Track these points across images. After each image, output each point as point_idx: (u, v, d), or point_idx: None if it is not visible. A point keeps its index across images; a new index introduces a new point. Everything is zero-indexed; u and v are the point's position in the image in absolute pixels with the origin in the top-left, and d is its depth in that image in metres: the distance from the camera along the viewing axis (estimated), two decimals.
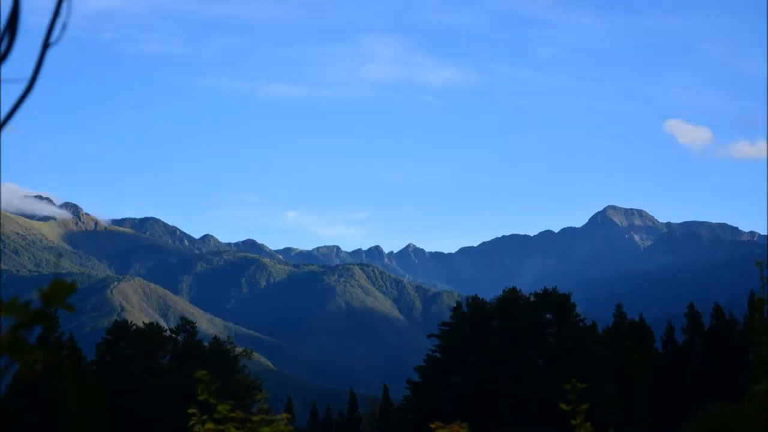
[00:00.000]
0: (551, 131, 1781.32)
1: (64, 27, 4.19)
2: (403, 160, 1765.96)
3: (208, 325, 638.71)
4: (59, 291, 3.89)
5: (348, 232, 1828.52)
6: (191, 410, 12.43)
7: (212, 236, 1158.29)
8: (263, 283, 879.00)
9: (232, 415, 12.18)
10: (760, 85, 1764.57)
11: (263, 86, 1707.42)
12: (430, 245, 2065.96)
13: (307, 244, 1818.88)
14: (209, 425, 12.15)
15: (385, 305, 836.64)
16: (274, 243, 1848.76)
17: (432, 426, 11.13)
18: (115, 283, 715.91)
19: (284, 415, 13.14)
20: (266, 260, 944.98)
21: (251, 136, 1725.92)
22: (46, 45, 4.22)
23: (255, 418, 12.42)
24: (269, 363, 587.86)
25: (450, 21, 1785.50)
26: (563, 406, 11.36)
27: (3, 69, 4.41)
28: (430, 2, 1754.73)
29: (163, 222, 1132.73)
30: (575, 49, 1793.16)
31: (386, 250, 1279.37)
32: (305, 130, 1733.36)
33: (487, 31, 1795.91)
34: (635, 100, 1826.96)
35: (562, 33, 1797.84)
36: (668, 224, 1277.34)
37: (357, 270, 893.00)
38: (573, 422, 11.22)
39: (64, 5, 4.29)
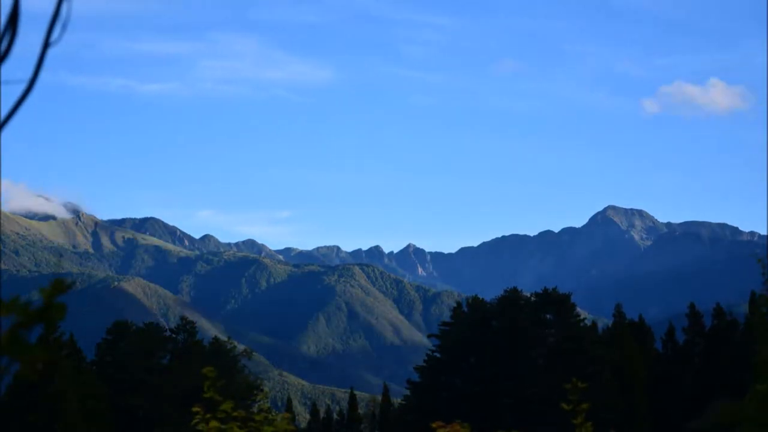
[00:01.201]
0: (452, 130, 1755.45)
1: (64, 27, 4.19)
2: (309, 158, 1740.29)
3: (208, 325, 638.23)
4: (59, 290, 3.94)
5: (270, 231, 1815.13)
6: (196, 408, 12.44)
7: (212, 236, 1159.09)
8: (263, 284, 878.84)
9: (235, 414, 12.19)
10: (630, 84, 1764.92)
11: (122, 84, 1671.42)
12: (430, 245, 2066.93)
13: (307, 244, 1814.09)
14: (213, 423, 12.16)
15: (385, 305, 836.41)
16: (274, 243, 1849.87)
17: (433, 426, 11.13)
18: (115, 283, 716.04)
19: (285, 414, 13.16)
20: (266, 260, 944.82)
21: (143, 133, 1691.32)
22: (46, 45, 4.20)
23: (257, 417, 12.44)
24: (269, 363, 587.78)
25: (309, 20, 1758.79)
26: (564, 406, 11.37)
27: (3, 69, 4.41)
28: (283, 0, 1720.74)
29: (163, 222, 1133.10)
30: (444, 49, 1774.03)
31: (386, 250, 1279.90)
32: (194, 128, 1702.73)
33: (345, 30, 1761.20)
34: (537, 98, 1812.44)
35: (423, 33, 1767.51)
36: (668, 224, 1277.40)
37: (357, 270, 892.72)
38: (574, 422, 11.24)
39: (64, 5, 4.28)
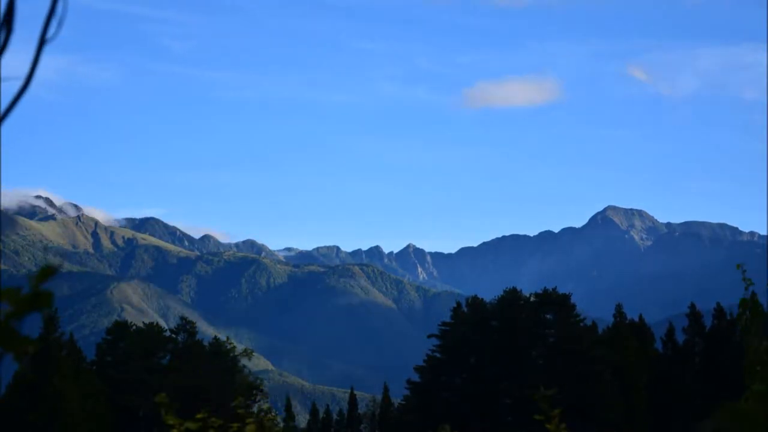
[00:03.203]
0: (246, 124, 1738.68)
1: (60, 24, 4.19)
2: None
3: (208, 325, 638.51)
4: (47, 274, 3.99)
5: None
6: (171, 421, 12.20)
7: (212, 236, 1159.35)
8: (263, 284, 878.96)
9: (191, 426, 11.90)
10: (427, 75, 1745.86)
11: None
12: (430, 245, 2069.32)
13: (306, 244, 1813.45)
14: None
15: (385, 305, 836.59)
16: (274, 243, 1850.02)
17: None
18: (115, 283, 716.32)
19: (270, 416, 13.08)
20: (266, 260, 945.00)
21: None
22: (42, 42, 4.20)
23: (234, 426, 12.26)
24: (269, 363, 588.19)
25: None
26: (537, 416, 11.56)
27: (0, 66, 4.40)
28: None
29: (163, 222, 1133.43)
30: (209, 44, 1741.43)
31: (386, 250, 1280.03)
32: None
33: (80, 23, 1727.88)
34: (348, 91, 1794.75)
35: (177, 28, 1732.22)
36: (668, 224, 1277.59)
37: (357, 270, 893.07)
38: (548, 426, 11.34)
39: (60, 2, 4.27)
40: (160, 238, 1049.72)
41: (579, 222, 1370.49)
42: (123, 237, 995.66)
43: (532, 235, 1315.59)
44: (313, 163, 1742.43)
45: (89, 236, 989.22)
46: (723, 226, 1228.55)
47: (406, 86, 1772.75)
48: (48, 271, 3.93)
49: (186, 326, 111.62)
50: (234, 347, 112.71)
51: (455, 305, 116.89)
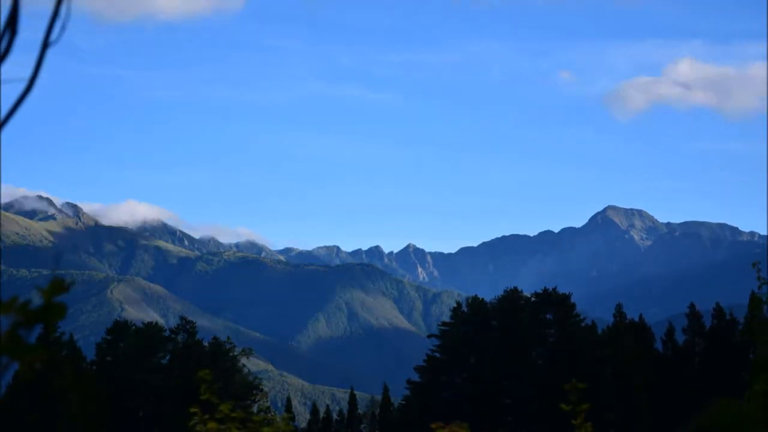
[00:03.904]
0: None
1: (63, 27, 4.21)
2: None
3: (208, 325, 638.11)
4: (57, 290, 3.95)
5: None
6: (193, 409, 12.43)
7: (212, 236, 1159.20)
8: (263, 283, 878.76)
9: (234, 414, 12.18)
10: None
11: None
12: (430, 245, 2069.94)
13: (307, 244, 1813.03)
14: (211, 425, 12.14)
15: (385, 305, 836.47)
16: (274, 243, 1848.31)
17: (433, 426, 11.06)
18: (115, 283, 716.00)
19: (285, 415, 13.18)
20: (266, 260, 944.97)
21: None
22: (45, 45, 4.22)
23: (256, 418, 12.43)
24: (269, 363, 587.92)
25: None
26: (564, 406, 11.30)
27: (2, 68, 4.42)
28: None
29: (163, 222, 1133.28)
30: (117, 42, 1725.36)
31: (386, 250, 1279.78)
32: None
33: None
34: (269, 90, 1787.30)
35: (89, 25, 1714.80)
36: (668, 224, 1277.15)
37: (357, 270, 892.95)
38: (574, 422, 11.18)
39: (63, 5, 4.30)
40: (160, 238, 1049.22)
41: (579, 222, 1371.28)
42: (123, 237, 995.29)
43: (532, 235, 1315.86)
44: (313, 163, 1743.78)
45: (89, 236, 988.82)
46: (723, 226, 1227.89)
47: (334, 85, 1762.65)
48: (60, 286, 3.97)
49: (186, 326, 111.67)
50: (233, 347, 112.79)
51: (455, 305, 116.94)
